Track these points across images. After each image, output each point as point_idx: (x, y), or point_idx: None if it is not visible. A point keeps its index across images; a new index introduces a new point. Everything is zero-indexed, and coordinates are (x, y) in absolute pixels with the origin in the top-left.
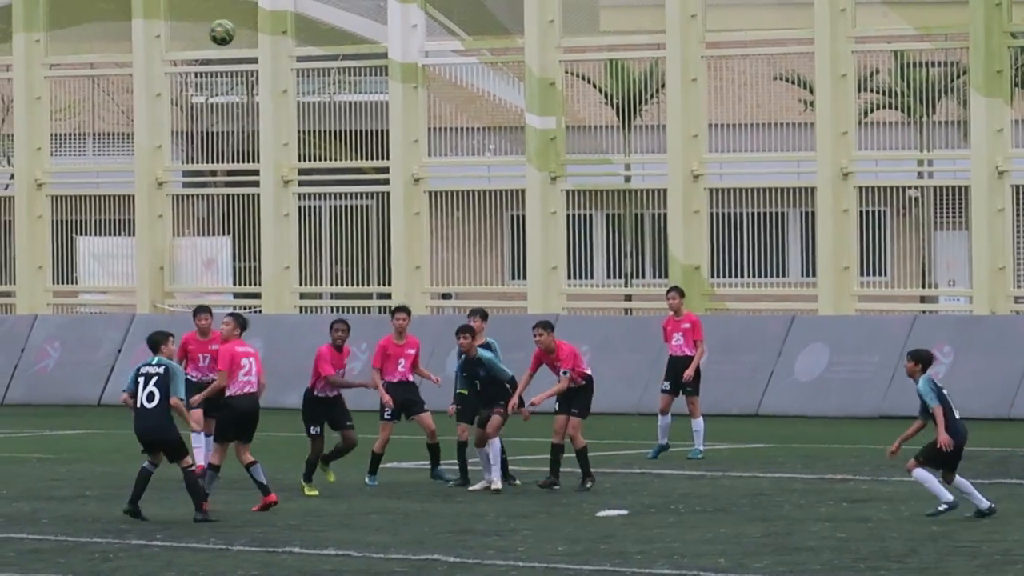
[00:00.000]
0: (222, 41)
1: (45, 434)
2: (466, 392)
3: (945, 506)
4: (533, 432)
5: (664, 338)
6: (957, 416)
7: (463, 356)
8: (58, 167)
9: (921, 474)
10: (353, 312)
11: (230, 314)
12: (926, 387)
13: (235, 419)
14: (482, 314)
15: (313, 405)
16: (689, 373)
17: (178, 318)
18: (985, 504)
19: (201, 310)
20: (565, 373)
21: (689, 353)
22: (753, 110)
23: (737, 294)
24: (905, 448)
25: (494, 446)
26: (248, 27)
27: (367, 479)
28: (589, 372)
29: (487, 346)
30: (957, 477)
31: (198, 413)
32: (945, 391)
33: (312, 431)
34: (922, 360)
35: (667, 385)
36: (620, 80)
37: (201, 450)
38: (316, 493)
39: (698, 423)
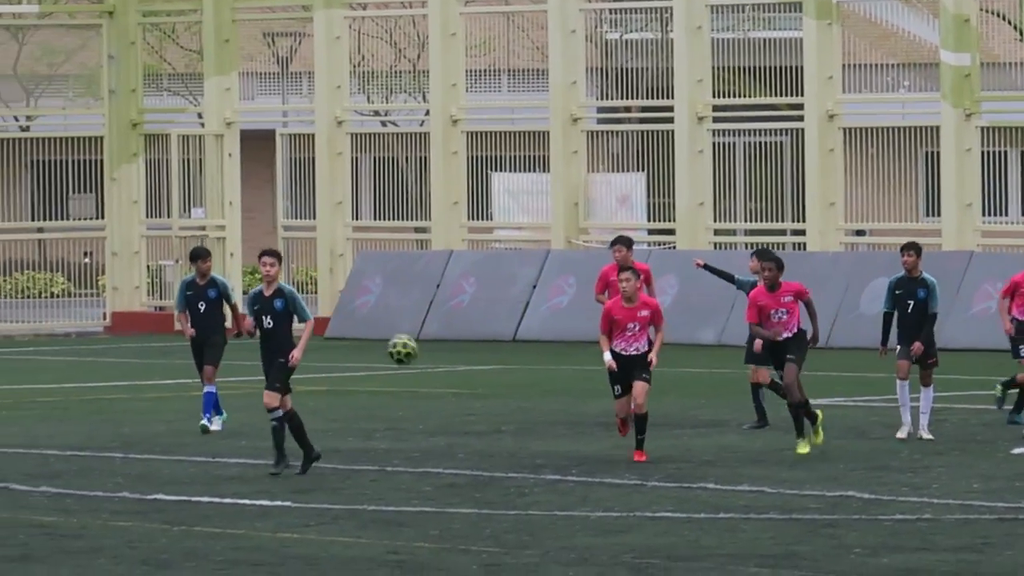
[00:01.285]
0: (399, 362)
1: (460, 369)
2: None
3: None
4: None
5: None
6: None
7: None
8: (473, 103)
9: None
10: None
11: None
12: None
13: None
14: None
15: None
16: None
17: (592, 254)
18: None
19: (617, 241)
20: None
21: None
22: None
23: None
24: None
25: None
26: None
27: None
28: None
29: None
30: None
31: None
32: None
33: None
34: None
35: None
36: None
37: None
38: (805, 451)
39: None
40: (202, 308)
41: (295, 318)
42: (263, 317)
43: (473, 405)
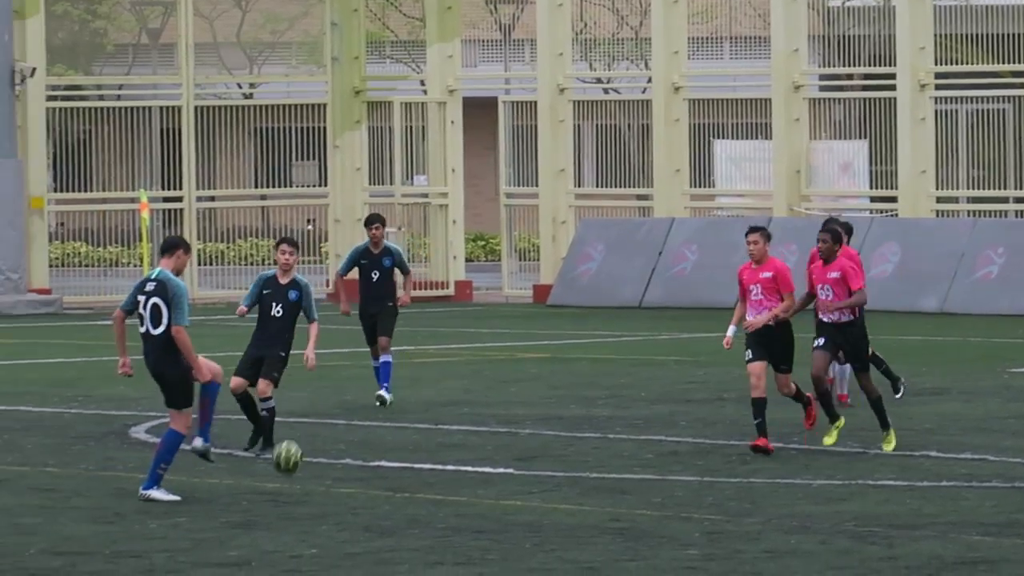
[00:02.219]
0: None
1: (682, 336)
2: None
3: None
4: None
5: None
6: None
7: None
8: (695, 71)
9: None
10: (990, 216)
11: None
12: None
13: None
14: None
15: None
16: None
17: (814, 222)
18: None
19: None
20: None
21: None
22: None
23: None
24: None
25: None
26: None
27: None
28: None
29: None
30: None
31: None
32: None
33: None
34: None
35: None
36: None
37: None
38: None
39: None
40: (375, 277)
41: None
42: (273, 304)
43: (695, 373)
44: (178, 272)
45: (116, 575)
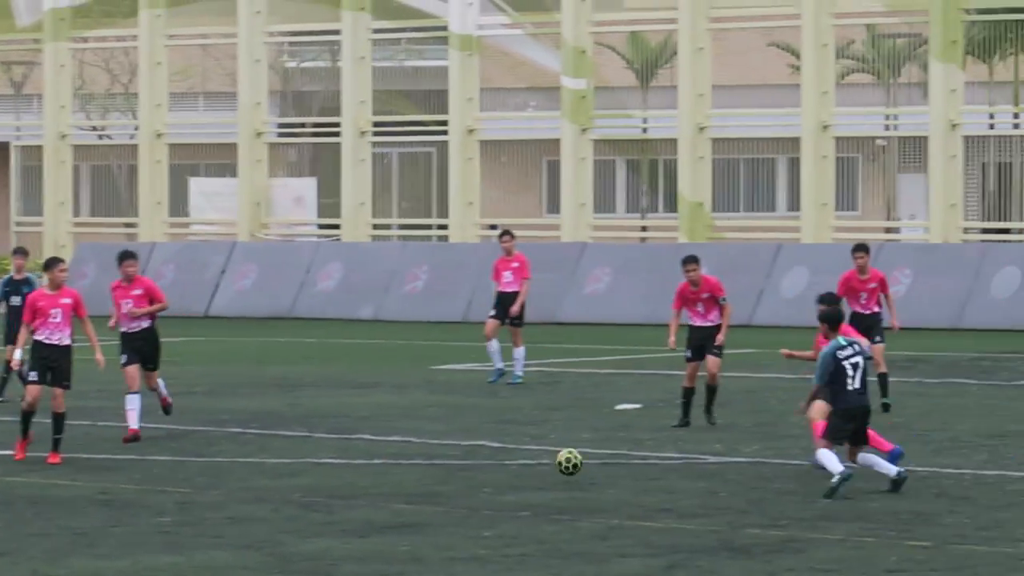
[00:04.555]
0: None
1: (161, 340)
2: None
3: (838, 478)
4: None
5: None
6: (857, 385)
7: None
8: (174, 120)
9: (824, 454)
10: (417, 240)
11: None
12: (823, 358)
13: None
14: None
15: None
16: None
17: (271, 245)
18: (895, 471)
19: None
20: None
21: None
22: (749, 73)
23: (734, 225)
24: None
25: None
26: (332, 5)
27: None
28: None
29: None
30: (861, 454)
31: None
32: (851, 358)
33: None
34: (827, 320)
35: None
36: (640, 49)
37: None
38: None
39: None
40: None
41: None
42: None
43: (171, 370)
44: None
45: None
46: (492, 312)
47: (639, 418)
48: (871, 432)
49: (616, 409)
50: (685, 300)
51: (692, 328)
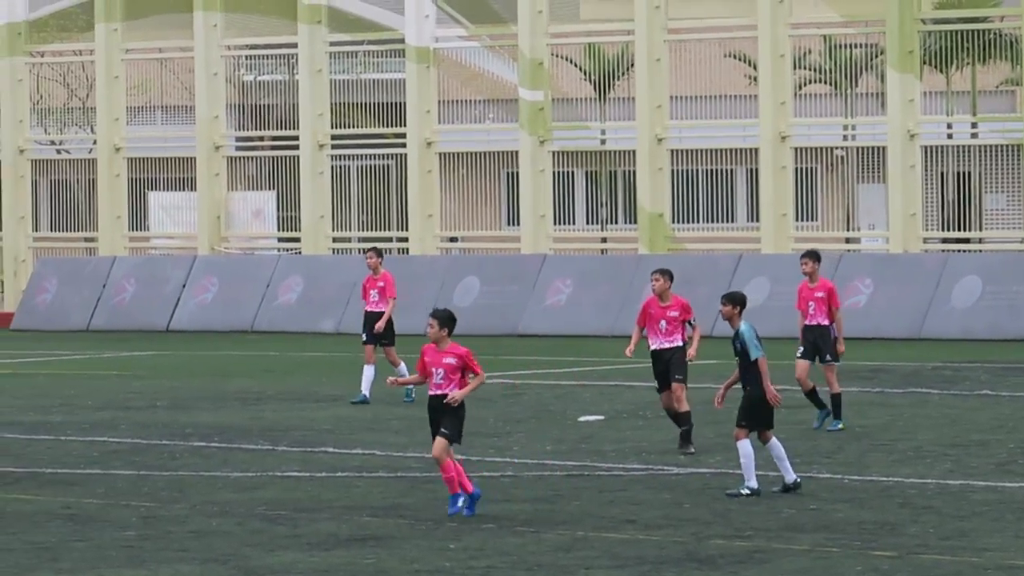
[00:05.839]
0: None
1: (122, 355)
2: None
3: (748, 491)
4: None
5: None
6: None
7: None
8: (132, 134)
9: (745, 448)
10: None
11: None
12: (750, 333)
13: None
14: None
15: None
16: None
17: (232, 258)
18: (791, 477)
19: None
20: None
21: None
22: (707, 84)
23: (694, 236)
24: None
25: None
26: (289, 18)
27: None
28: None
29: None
30: (772, 440)
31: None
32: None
33: None
34: (739, 302)
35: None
36: (597, 60)
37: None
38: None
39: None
40: None
41: None
42: None
43: (133, 384)
44: None
45: None
46: (363, 337)
47: (602, 430)
48: (460, 469)
49: (579, 421)
50: (649, 317)
51: (654, 354)
